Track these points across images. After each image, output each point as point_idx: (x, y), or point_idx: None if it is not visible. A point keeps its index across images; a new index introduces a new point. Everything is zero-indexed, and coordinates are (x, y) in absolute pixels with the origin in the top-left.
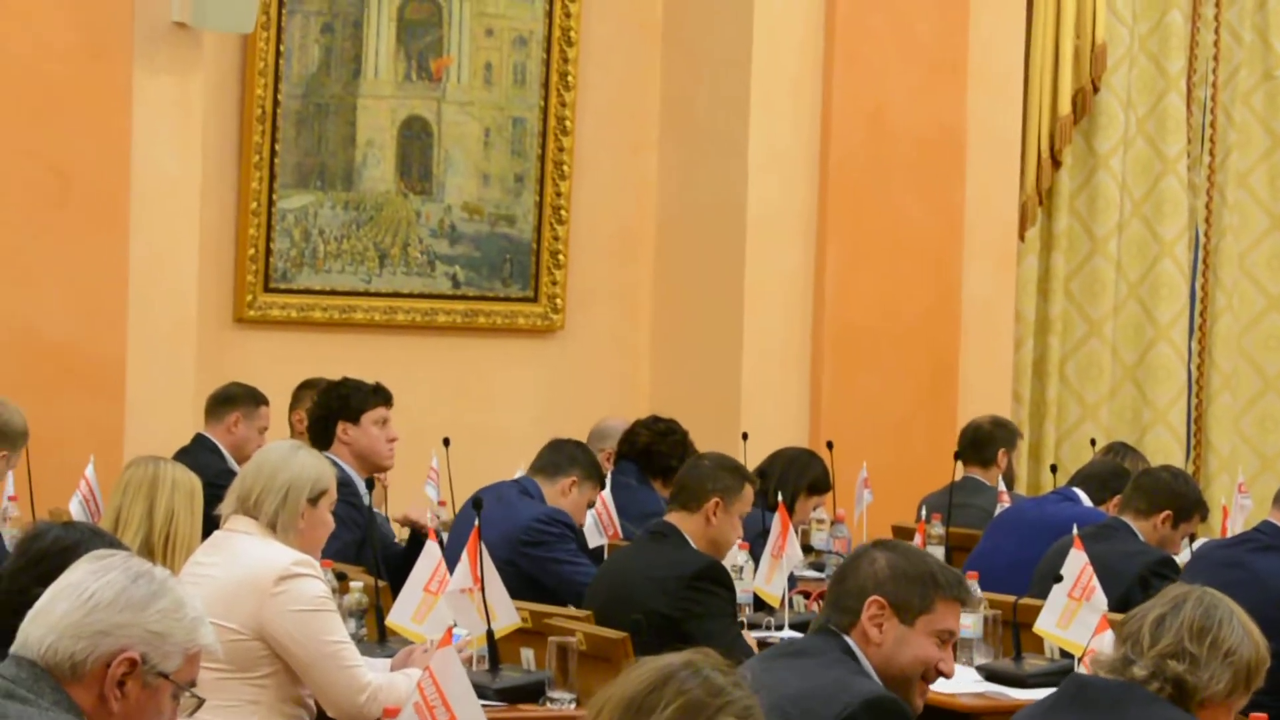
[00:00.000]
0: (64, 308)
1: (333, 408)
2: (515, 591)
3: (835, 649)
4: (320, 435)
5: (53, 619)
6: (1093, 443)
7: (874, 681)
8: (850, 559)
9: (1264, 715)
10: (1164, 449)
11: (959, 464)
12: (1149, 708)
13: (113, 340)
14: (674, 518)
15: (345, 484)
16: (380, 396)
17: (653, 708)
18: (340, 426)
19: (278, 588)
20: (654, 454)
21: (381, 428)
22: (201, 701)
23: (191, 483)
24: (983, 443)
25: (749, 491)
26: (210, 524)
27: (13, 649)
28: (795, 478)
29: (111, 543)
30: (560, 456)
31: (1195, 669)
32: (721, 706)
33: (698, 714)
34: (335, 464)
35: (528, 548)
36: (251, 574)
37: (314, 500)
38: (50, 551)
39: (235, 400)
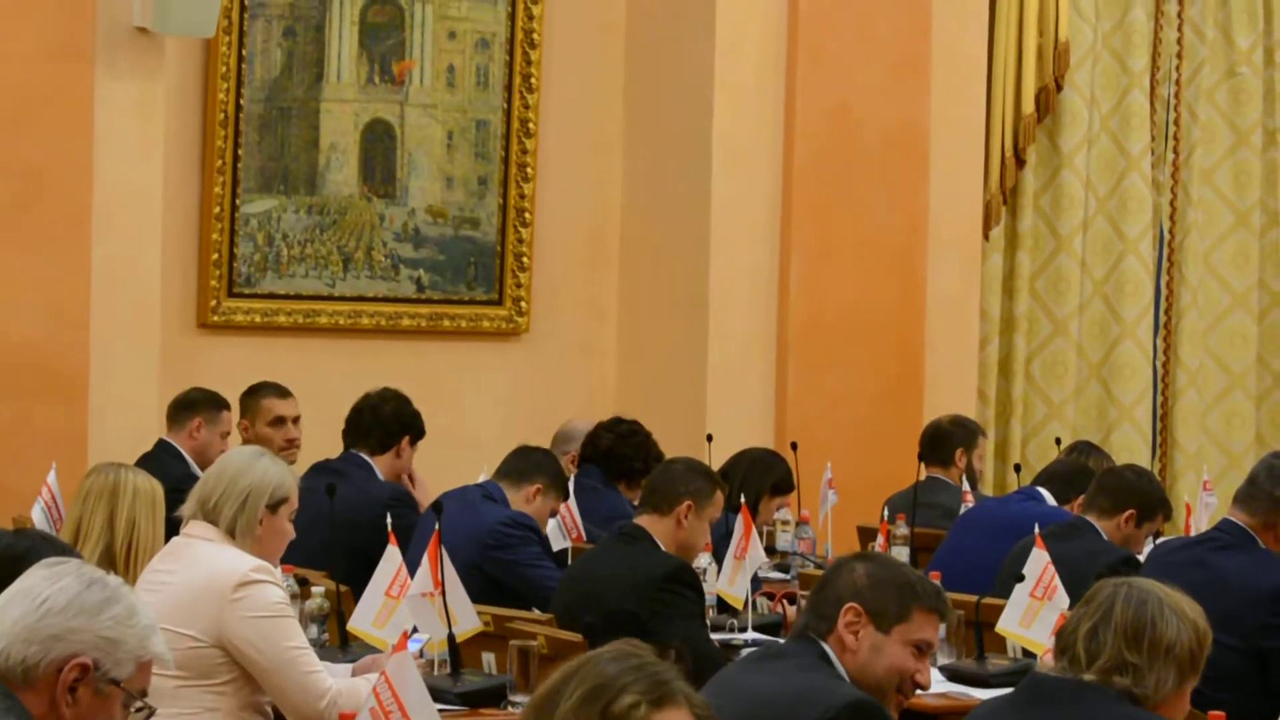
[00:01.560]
0: (27, 313)
1: (405, 422)
2: (480, 595)
3: (812, 654)
4: (382, 440)
5: (5, 625)
6: (1058, 441)
7: (852, 686)
8: (831, 569)
9: (1222, 714)
10: (1130, 447)
11: (922, 464)
12: (1104, 703)
13: (76, 345)
14: (644, 520)
15: (404, 500)
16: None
17: (556, 697)
18: (405, 440)
19: (236, 594)
20: (617, 457)
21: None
22: (153, 711)
23: (153, 490)
24: (941, 442)
25: (719, 496)
26: (172, 528)
27: None
28: (758, 479)
29: (63, 550)
30: (526, 464)
31: (1140, 679)
32: (625, 685)
33: (600, 696)
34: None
35: (492, 550)
36: (210, 581)
37: (273, 507)
38: (1, 559)
39: (196, 405)
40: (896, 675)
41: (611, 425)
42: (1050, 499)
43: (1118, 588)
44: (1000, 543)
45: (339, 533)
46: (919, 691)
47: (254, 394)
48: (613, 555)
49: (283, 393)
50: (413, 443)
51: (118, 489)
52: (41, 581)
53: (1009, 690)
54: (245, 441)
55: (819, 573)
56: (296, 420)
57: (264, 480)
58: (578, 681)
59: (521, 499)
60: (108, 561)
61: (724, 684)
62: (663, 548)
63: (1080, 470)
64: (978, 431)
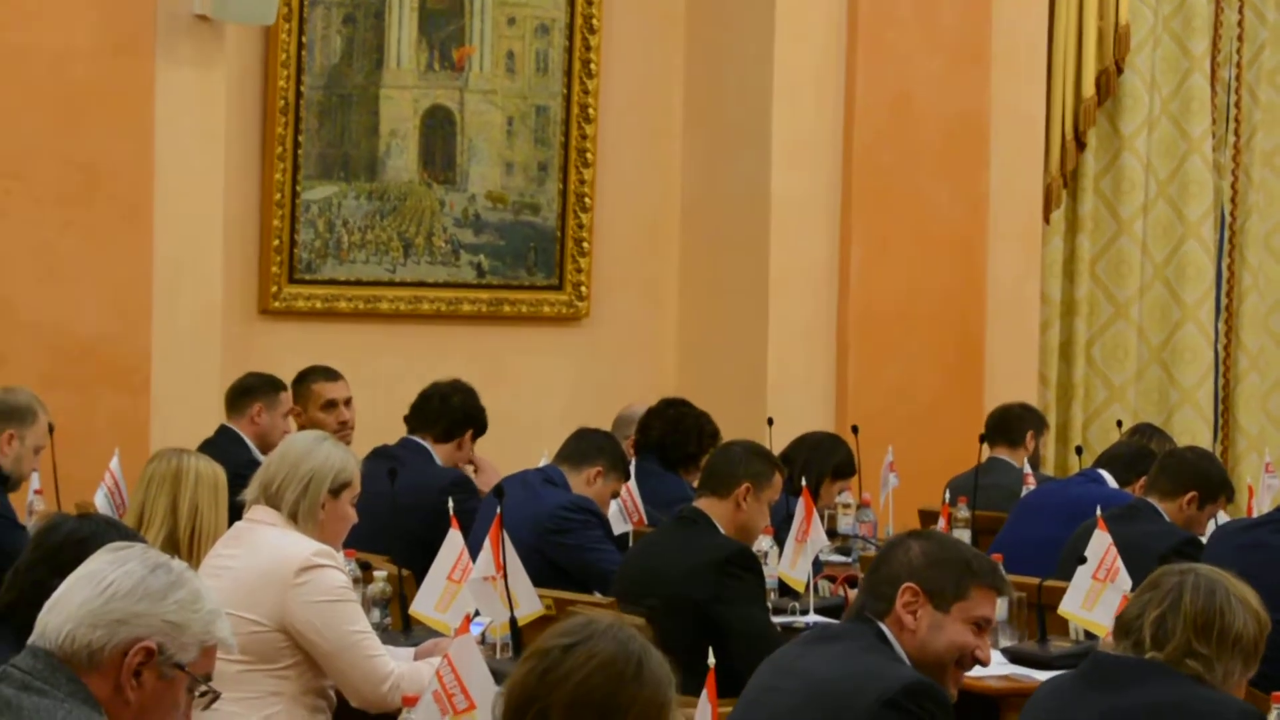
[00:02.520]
0: (90, 302)
1: (472, 415)
2: (541, 579)
3: (869, 635)
4: (447, 430)
5: (71, 608)
6: (1119, 424)
7: (910, 668)
8: (886, 548)
9: None
10: (1191, 430)
11: (985, 446)
12: (1171, 682)
13: (138, 333)
14: (703, 504)
15: (464, 485)
16: None
17: (614, 713)
18: (469, 433)
19: (299, 579)
20: (669, 444)
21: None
22: (217, 695)
23: (215, 475)
24: (1011, 423)
25: (778, 479)
26: (235, 513)
27: (30, 640)
28: (820, 462)
29: (128, 534)
30: (586, 446)
31: (1210, 668)
32: (665, 700)
33: (653, 715)
34: (432, 459)
35: (553, 535)
36: (273, 566)
37: (335, 491)
38: (66, 543)
39: (254, 391)
40: (956, 652)
41: (660, 411)
42: (1111, 481)
43: (1184, 575)
44: (1061, 525)
45: (399, 518)
46: (980, 669)
47: (304, 380)
48: (672, 539)
49: (332, 376)
50: (475, 437)
51: (180, 474)
52: (107, 566)
53: (1070, 671)
54: (300, 428)
55: None
56: (348, 402)
57: (326, 465)
58: (628, 701)
59: (582, 481)
60: (171, 546)
61: (780, 667)
62: (722, 531)
63: (1141, 452)
64: (1045, 421)
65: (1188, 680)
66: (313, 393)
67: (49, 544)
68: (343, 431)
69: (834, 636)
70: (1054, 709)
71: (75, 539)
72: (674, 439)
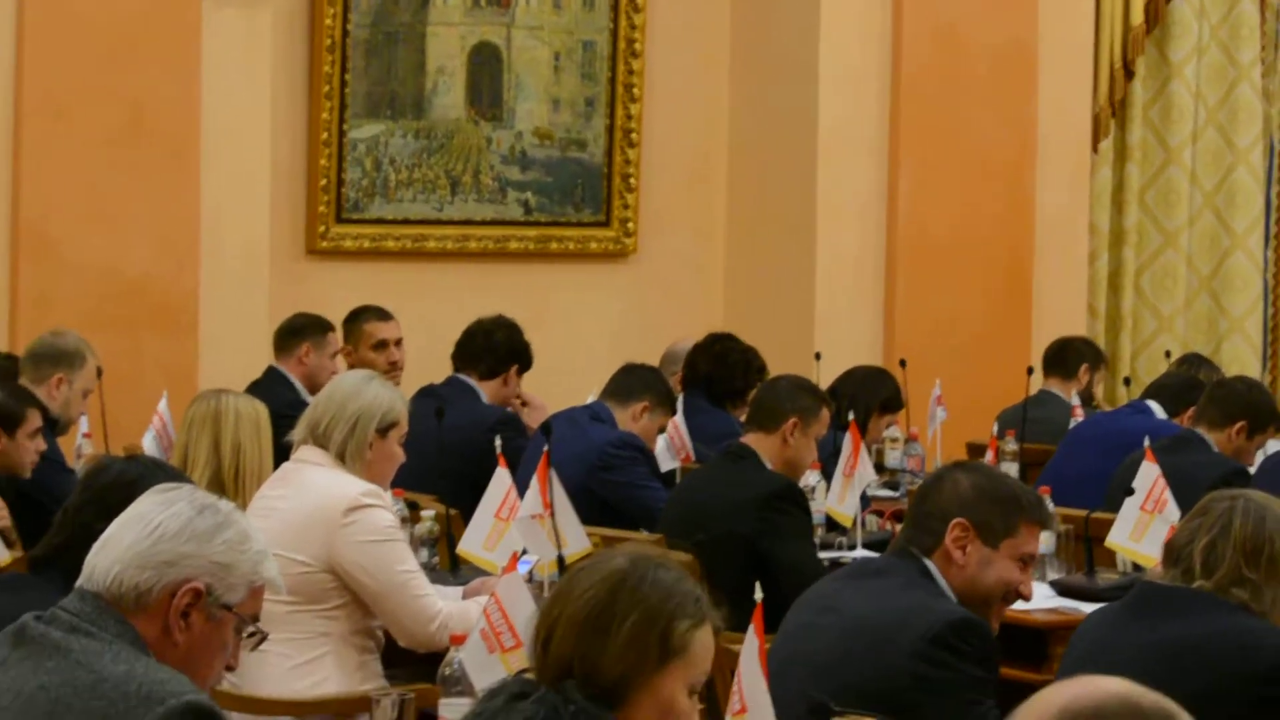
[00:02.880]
0: (137, 243)
1: (517, 351)
2: (588, 516)
3: (913, 570)
4: (492, 367)
5: (119, 550)
6: (1168, 355)
7: (954, 603)
8: (932, 480)
9: None
10: (1240, 359)
11: (1034, 378)
12: (1219, 612)
13: (186, 274)
14: (750, 439)
15: (511, 423)
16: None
17: (609, 623)
18: (514, 369)
19: (347, 519)
20: (716, 379)
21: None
22: (265, 636)
23: (256, 413)
24: (1068, 355)
25: (825, 413)
26: (282, 453)
27: (79, 582)
28: (867, 396)
29: (174, 475)
30: (633, 381)
31: (1259, 596)
32: (675, 610)
33: (654, 623)
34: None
35: (600, 472)
36: (320, 506)
37: (383, 431)
38: (113, 485)
39: (302, 331)
40: (1004, 587)
41: (706, 347)
42: (1160, 412)
43: (1234, 501)
44: (1109, 457)
45: (446, 457)
46: (1025, 603)
47: (355, 319)
48: (720, 474)
49: (383, 315)
50: (520, 372)
51: (220, 415)
52: (154, 507)
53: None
54: (350, 367)
55: None
56: (399, 343)
57: (374, 404)
58: (626, 608)
59: (628, 417)
60: (217, 487)
61: (822, 603)
62: (769, 466)
63: (1190, 383)
64: (1103, 357)
65: (1234, 609)
66: (364, 332)
67: (97, 486)
68: (393, 372)
69: (875, 571)
70: (1099, 640)
71: (123, 481)
72: (720, 374)
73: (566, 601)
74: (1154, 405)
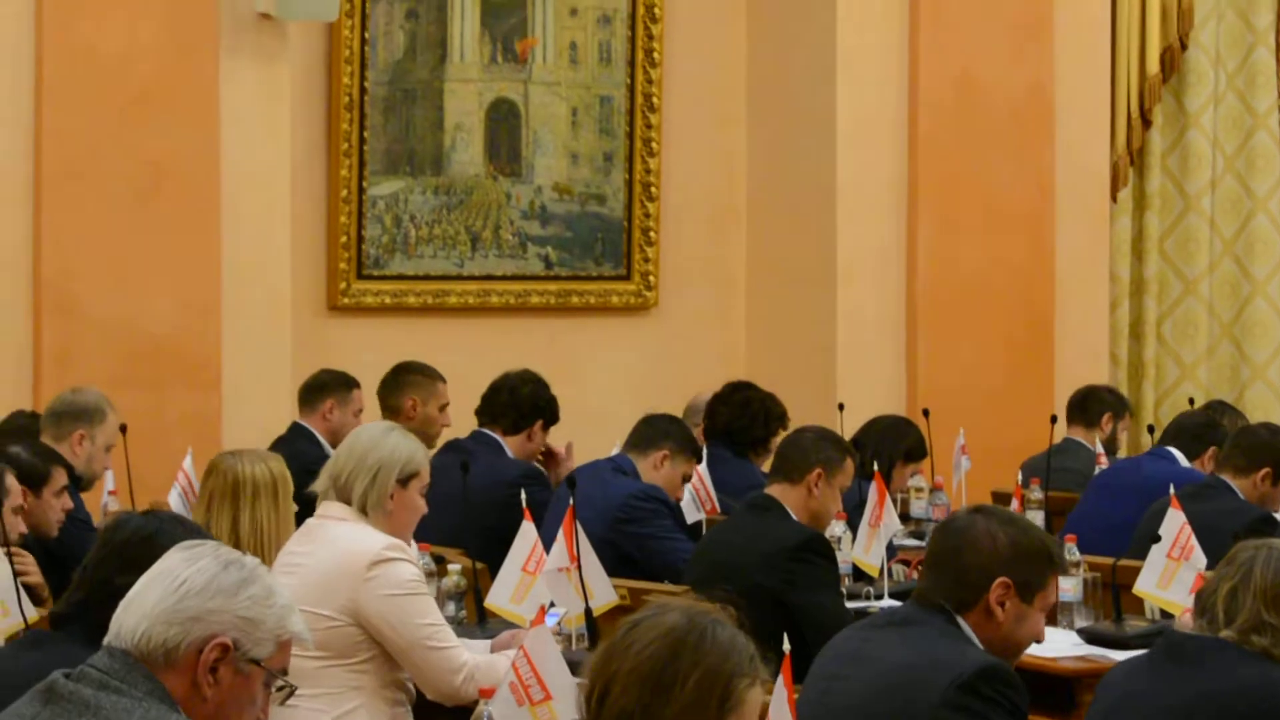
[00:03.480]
0: (159, 301)
1: (541, 406)
2: (611, 569)
3: (939, 620)
4: (516, 422)
5: (146, 607)
6: (1191, 402)
7: (983, 650)
8: (963, 530)
9: None
10: (1264, 405)
11: (1057, 426)
12: (1244, 661)
13: (208, 331)
14: (775, 490)
15: (536, 477)
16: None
17: (672, 682)
18: (539, 424)
19: (370, 573)
20: (737, 430)
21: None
22: (294, 689)
23: (273, 477)
24: (1091, 404)
25: (850, 464)
26: (305, 504)
27: (106, 639)
28: (891, 446)
29: (192, 529)
30: (652, 430)
31: (1278, 640)
32: (735, 669)
33: (716, 682)
34: (503, 451)
35: (623, 525)
36: (344, 560)
37: (404, 481)
38: (131, 540)
39: (327, 387)
40: (1033, 640)
41: (726, 396)
42: (1181, 457)
43: (1258, 550)
44: (1133, 504)
45: (471, 511)
46: (1056, 650)
47: (429, 375)
48: (744, 526)
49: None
50: (545, 427)
51: (239, 488)
52: (179, 563)
53: (1145, 651)
54: (407, 418)
55: None
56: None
57: (394, 455)
58: (688, 666)
59: (649, 466)
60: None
61: (848, 653)
62: (794, 517)
63: (1206, 423)
64: (1128, 406)
65: (1256, 659)
66: (439, 391)
67: (115, 541)
68: (442, 434)
69: (902, 621)
70: (1128, 691)
71: (141, 535)
72: (742, 423)
73: (625, 657)
74: (1175, 451)
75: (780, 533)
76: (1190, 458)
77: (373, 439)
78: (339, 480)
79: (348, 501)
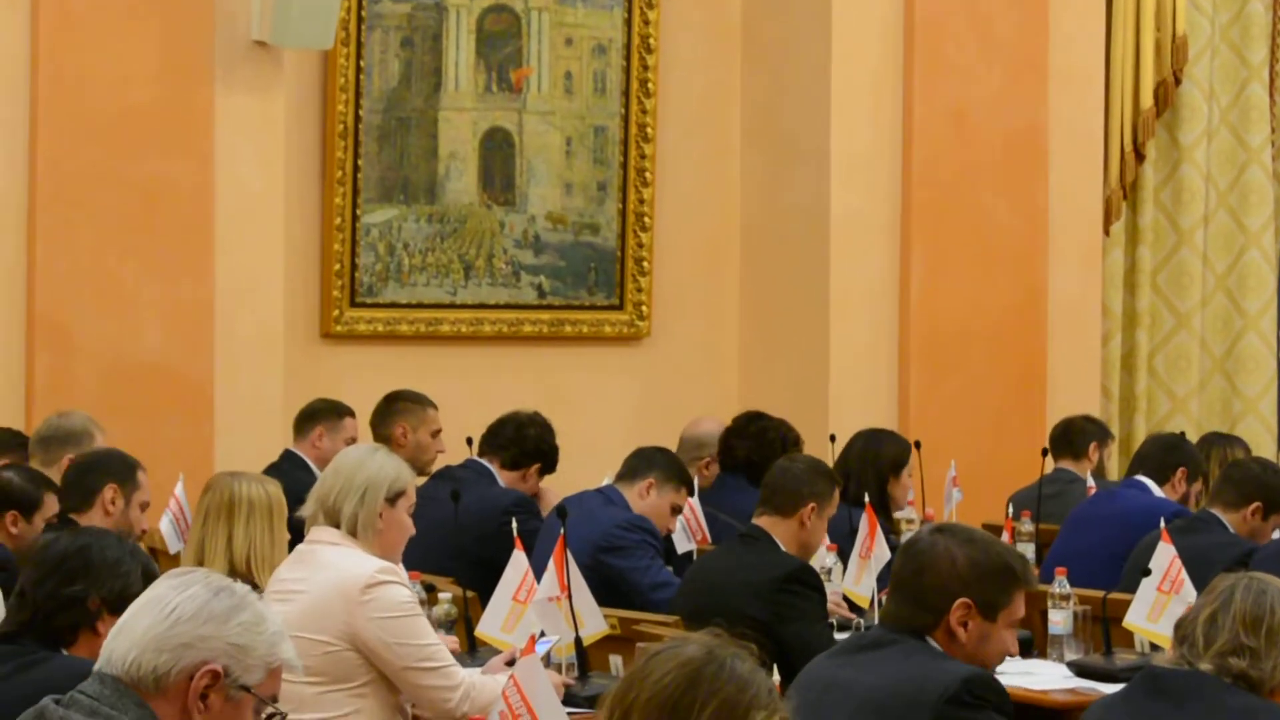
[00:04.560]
0: (151, 329)
1: (546, 451)
2: (599, 599)
3: (910, 639)
4: (515, 459)
5: (136, 634)
6: (1181, 435)
7: (960, 662)
8: (924, 552)
9: None
10: (1256, 440)
11: (1049, 459)
12: (1222, 695)
13: (200, 359)
14: (764, 521)
15: (527, 504)
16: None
17: (687, 711)
18: (535, 467)
19: (364, 596)
20: (756, 463)
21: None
22: (284, 716)
23: (269, 499)
24: (1074, 435)
25: (837, 494)
26: (295, 529)
27: (97, 666)
28: (873, 463)
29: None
30: (638, 461)
31: (1257, 662)
32: (752, 701)
33: (732, 713)
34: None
35: (604, 554)
36: (337, 585)
37: (392, 500)
38: (68, 553)
39: (318, 415)
40: (1001, 658)
41: (741, 429)
42: (1155, 487)
43: (1239, 579)
44: (1110, 535)
45: (463, 538)
46: (1046, 683)
47: (419, 402)
48: (732, 557)
49: (436, 407)
50: (542, 473)
51: (234, 506)
52: (170, 591)
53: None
54: (398, 445)
55: None
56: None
57: (381, 473)
58: (705, 696)
59: (635, 495)
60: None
61: (821, 683)
62: (783, 548)
63: (1168, 445)
64: (1109, 432)
65: (1236, 691)
66: (429, 417)
67: (51, 558)
68: (434, 462)
69: (875, 643)
70: None
71: (75, 548)
72: (761, 453)
73: (643, 686)
74: (1148, 481)
75: (768, 564)
76: (1161, 483)
77: (358, 459)
78: (327, 502)
79: (336, 524)
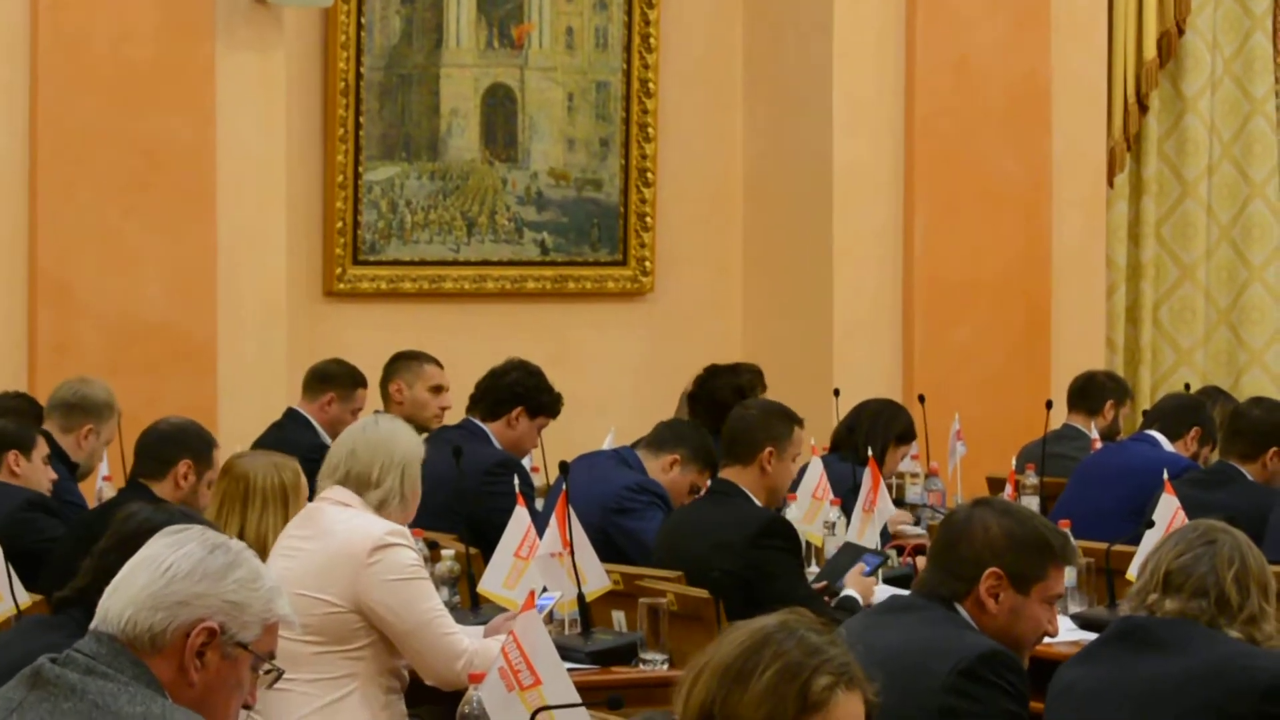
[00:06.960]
0: (154, 288)
1: (522, 394)
2: (606, 559)
3: (938, 606)
4: (492, 408)
5: (132, 592)
6: (1187, 388)
7: (984, 636)
8: (959, 523)
9: None
10: (1261, 391)
11: (1056, 411)
12: (1196, 635)
13: (204, 317)
14: (729, 473)
15: (513, 465)
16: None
17: (750, 672)
18: (516, 412)
19: (372, 558)
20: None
21: (538, 433)
22: (281, 673)
23: (283, 484)
24: (1094, 391)
25: (799, 434)
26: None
27: (93, 625)
28: (882, 430)
29: (201, 523)
30: (668, 434)
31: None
32: (818, 666)
33: (796, 676)
34: (489, 440)
35: (613, 515)
36: (345, 546)
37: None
38: (138, 532)
39: (333, 380)
40: (1036, 634)
41: (697, 395)
42: (1164, 440)
43: (1211, 526)
44: (1118, 489)
45: (460, 498)
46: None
47: (416, 358)
48: (704, 513)
49: (439, 364)
50: (531, 415)
51: (248, 497)
52: (165, 549)
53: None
54: (395, 403)
55: None
56: (448, 392)
57: (414, 449)
58: (769, 659)
59: (658, 467)
60: None
61: (850, 640)
62: (754, 499)
63: (1186, 404)
64: (1129, 392)
65: (1223, 637)
66: (426, 373)
67: (123, 532)
68: (440, 418)
69: (903, 608)
70: (1089, 688)
71: (147, 528)
72: (720, 416)
73: (716, 651)
74: (1158, 435)
75: (738, 520)
76: (1173, 439)
77: (389, 434)
78: (367, 476)
79: (361, 492)
